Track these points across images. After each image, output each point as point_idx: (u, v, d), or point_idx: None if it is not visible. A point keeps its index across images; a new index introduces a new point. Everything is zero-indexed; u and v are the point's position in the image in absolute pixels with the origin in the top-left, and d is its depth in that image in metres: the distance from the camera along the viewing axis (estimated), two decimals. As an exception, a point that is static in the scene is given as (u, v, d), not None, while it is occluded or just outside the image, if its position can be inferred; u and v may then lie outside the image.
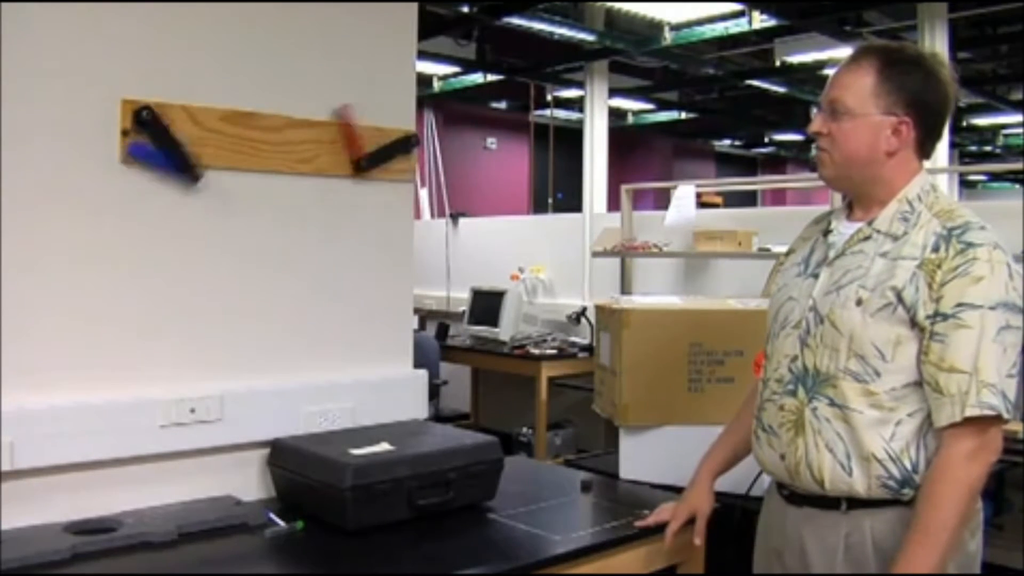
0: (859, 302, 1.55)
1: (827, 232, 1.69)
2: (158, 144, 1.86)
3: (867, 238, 1.60)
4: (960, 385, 1.46)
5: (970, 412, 1.45)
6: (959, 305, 1.47)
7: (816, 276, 1.66)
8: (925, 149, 1.63)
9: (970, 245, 1.49)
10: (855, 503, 1.56)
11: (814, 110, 1.66)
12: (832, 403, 1.57)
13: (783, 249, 1.88)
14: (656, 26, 5.94)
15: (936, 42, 4.97)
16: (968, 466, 1.47)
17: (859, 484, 1.54)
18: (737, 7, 5.41)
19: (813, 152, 1.68)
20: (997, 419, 1.47)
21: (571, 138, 7.69)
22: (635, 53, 6.37)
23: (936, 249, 1.51)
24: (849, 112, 1.57)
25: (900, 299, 1.51)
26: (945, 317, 1.48)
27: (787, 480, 1.65)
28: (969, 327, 1.46)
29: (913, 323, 1.51)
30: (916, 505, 1.50)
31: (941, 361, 1.48)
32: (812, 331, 1.61)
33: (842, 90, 1.59)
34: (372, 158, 2.20)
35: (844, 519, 1.57)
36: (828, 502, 1.59)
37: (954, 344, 1.47)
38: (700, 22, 5.74)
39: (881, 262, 1.56)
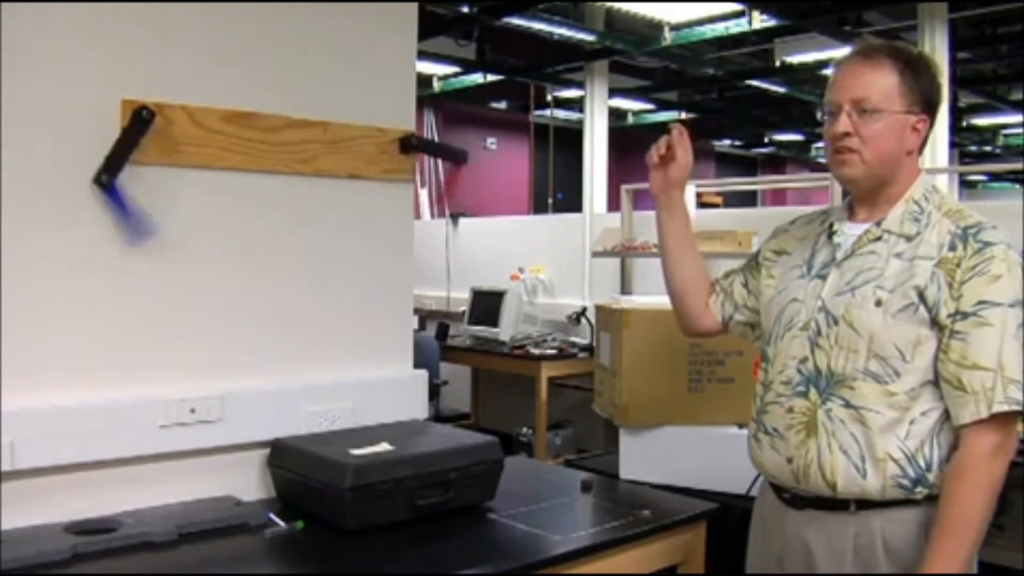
0: (878, 303, 1.54)
1: (831, 233, 1.68)
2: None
3: (878, 239, 1.60)
4: (984, 382, 1.46)
5: (997, 408, 1.45)
6: (980, 303, 1.48)
7: (823, 277, 1.64)
8: (923, 149, 1.65)
9: (987, 244, 1.50)
10: (864, 504, 1.55)
11: (823, 112, 1.63)
12: (848, 404, 1.56)
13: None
14: (656, 26, 5.94)
15: (936, 42, 4.97)
16: (992, 463, 1.47)
17: (873, 485, 1.53)
18: (737, 7, 5.41)
19: (814, 152, 1.67)
20: (1018, 416, 1.48)
21: (571, 138, 7.69)
22: (635, 53, 6.37)
23: (953, 248, 1.52)
24: (877, 111, 1.56)
25: (923, 298, 1.51)
26: (965, 315, 1.48)
27: (792, 483, 1.63)
28: (991, 325, 1.47)
29: (934, 323, 1.51)
30: (940, 505, 1.49)
31: (963, 359, 1.48)
32: (824, 332, 1.60)
33: (868, 89, 1.57)
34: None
35: (852, 520, 1.56)
36: (836, 504, 1.58)
37: (976, 342, 1.47)
38: (700, 22, 5.74)
39: (897, 263, 1.56)
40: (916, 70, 1.59)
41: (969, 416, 1.48)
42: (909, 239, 1.57)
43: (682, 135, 1.83)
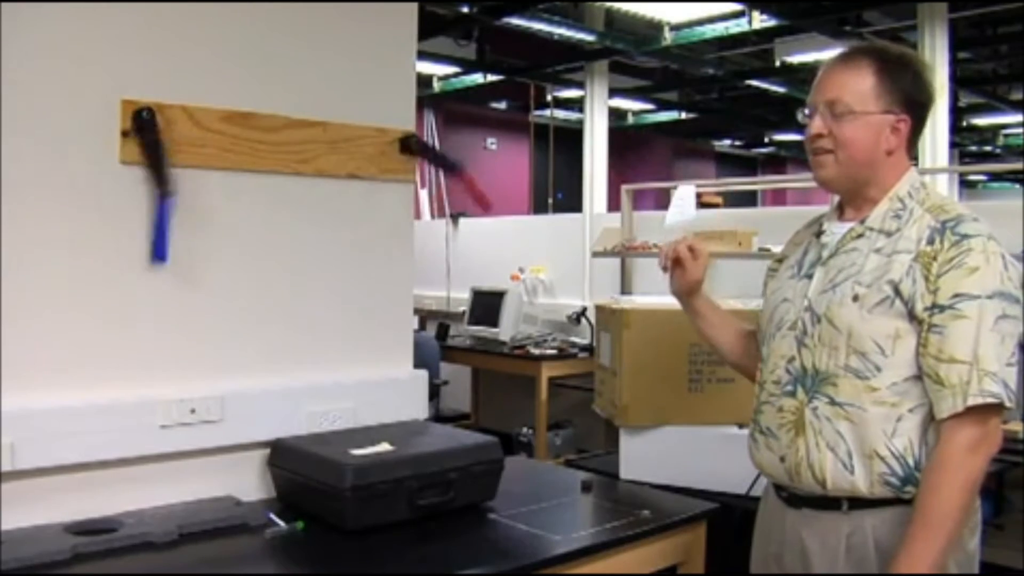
0: (855, 298, 1.55)
1: (819, 234, 1.70)
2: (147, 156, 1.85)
3: (860, 236, 1.61)
4: (961, 375, 1.46)
5: (972, 401, 1.45)
6: (956, 296, 1.48)
7: (810, 277, 1.66)
8: (913, 147, 1.66)
9: (964, 237, 1.51)
10: (856, 503, 1.56)
11: (804, 112, 1.65)
12: (832, 402, 1.57)
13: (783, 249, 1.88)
14: (656, 26, 5.94)
15: (936, 42, 4.97)
16: (970, 457, 1.46)
17: (861, 482, 1.54)
18: (737, 7, 5.41)
19: (810, 155, 1.67)
20: (998, 409, 1.47)
21: (571, 138, 7.70)
22: (635, 53, 6.37)
23: (931, 242, 1.52)
24: (851, 112, 1.57)
25: (898, 292, 1.52)
26: (942, 308, 1.49)
27: (787, 482, 1.64)
28: (967, 317, 1.47)
29: (911, 316, 1.51)
30: (917, 497, 1.49)
31: (940, 352, 1.48)
32: (809, 331, 1.62)
33: (842, 90, 1.59)
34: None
35: (845, 519, 1.57)
36: (829, 503, 1.58)
37: (953, 335, 1.47)
38: (700, 22, 5.74)
39: (875, 258, 1.57)
40: (896, 70, 1.59)
41: (947, 410, 1.47)
42: (889, 235, 1.58)
43: (695, 253, 1.84)
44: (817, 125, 1.60)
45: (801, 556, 1.63)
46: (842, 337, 1.56)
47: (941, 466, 1.47)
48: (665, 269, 1.88)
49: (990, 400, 1.45)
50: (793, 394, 1.63)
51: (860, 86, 1.58)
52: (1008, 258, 1.52)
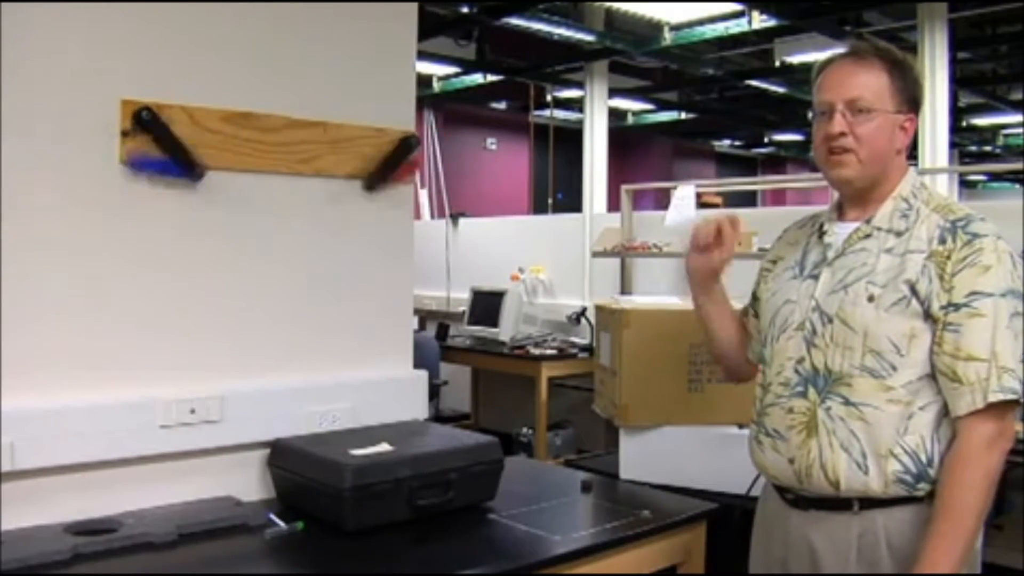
0: (871, 298, 1.56)
1: (821, 234, 1.70)
2: (162, 148, 1.85)
3: (868, 236, 1.62)
4: (979, 372, 1.47)
5: (993, 397, 1.46)
6: (971, 294, 1.49)
7: (815, 277, 1.66)
8: (910, 148, 1.68)
9: (976, 236, 1.52)
10: (867, 503, 1.56)
11: (816, 113, 1.65)
12: (847, 402, 1.57)
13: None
14: (656, 26, 5.94)
15: (936, 42, 4.96)
16: (988, 453, 1.48)
17: (875, 482, 1.54)
18: (737, 7, 5.41)
19: (812, 154, 1.67)
20: (1014, 405, 1.48)
21: (571, 138, 7.70)
22: (635, 53, 6.37)
23: (943, 241, 1.53)
24: (871, 110, 1.58)
25: (914, 292, 1.52)
26: (958, 307, 1.50)
27: (795, 484, 1.63)
28: (983, 315, 1.48)
29: (927, 315, 1.52)
30: (937, 496, 1.50)
31: (957, 351, 1.49)
32: (819, 331, 1.61)
33: (863, 89, 1.59)
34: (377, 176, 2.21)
35: (856, 520, 1.57)
36: (839, 503, 1.58)
37: (969, 333, 1.49)
38: (700, 22, 5.74)
39: (887, 258, 1.57)
40: (902, 71, 1.61)
41: (965, 407, 1.49)
42: (899, 235, 1.59)
43: (735, 228, 1.84)
44: (839, 123, 1.59)
45: (809, 559, 1.62)
46: (858, 337, 1.56)
47: (960, 463, 1.49)
48: (704, 248, 1.85)
49: (1010, 396, 1.47)
50: (804, 395, 1.62)
51: (876, 85, 1.59)
52: (1016, 256, 1.54)
